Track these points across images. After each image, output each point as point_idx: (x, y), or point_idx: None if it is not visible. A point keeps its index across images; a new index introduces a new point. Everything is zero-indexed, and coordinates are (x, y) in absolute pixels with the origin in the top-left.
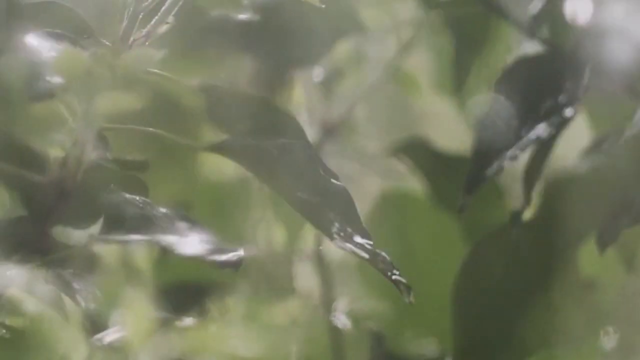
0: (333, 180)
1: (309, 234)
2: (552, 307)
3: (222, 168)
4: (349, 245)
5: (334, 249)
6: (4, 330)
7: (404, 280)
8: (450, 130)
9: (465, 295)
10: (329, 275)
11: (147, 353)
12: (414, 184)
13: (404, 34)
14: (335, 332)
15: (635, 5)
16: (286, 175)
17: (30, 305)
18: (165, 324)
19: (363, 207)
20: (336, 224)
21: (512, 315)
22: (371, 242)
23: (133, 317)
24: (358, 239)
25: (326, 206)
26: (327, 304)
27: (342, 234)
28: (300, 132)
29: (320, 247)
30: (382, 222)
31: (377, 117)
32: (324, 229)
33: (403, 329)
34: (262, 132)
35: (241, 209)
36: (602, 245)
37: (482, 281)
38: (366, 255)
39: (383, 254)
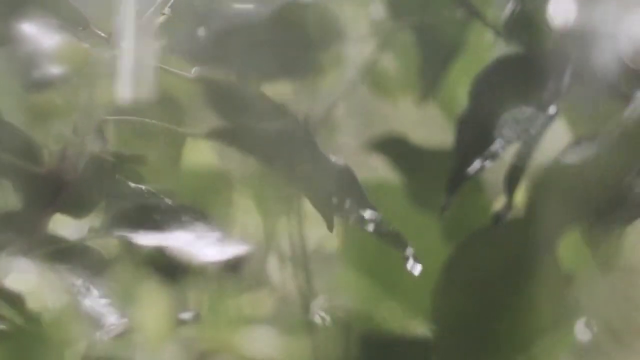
0: (333, 159)
1: (287, 227)
2: (534, 302)
3: (204, 159)
4: (356, 222)
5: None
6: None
7: (412, 255)
8: (427, 129)
9: (448, 291)
10: (308, 269)
11: (162, 350)
12: (392, 179)
13: (381, 36)
14: (312, 327)
15: (617, 7)
16: (286, 156)
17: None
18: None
19: None
20: (342, 202)
21: (494, 310)
22: (380, 217)
23: (147, 313)
24: (367, 214)
25: (330, 184)
26: (305, 298)
27: (348, 211)
28: (293, 118)
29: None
30: None
31: (356, 115)
32: (328, 208)
33: (382, 323)
34: (258, 119)
35: (221, 202)
36: (594, 244)
37: (465, 278)
38: (373, 229)
39: (395, 230)
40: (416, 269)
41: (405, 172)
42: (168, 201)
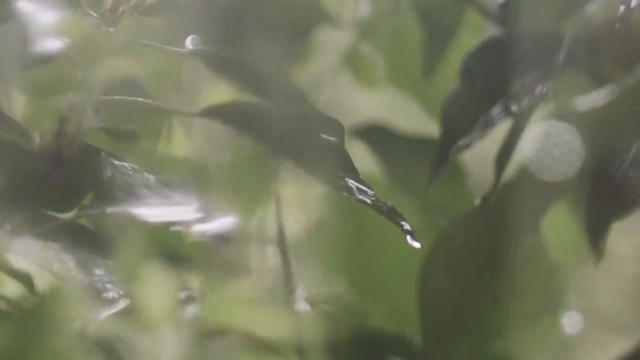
0: (325, 136)
1: (268, 215)
2: (519, 288)
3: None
4: (354, 196)
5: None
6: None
7: (410, 229)
8: (410, 116)
9: (430, 278)
10: (290, 257)
11: (164, 330)
12: (373, 167)
13: (365, 21)
14: (295, 315)
15: None
16: (282, 132)
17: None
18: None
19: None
20: (336, 175)
21: (479, 295)
22: (373, 192)
23: (149, 292)
24: (359, 188)
25: (324, 158)
26: (288, 286)
27: (343, 184)
28: (292, 88)
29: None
30: (341, 205)
31: (337, 102)
32: (327, 180)
33: (364, 311)
34: (257, 91)
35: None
36: (593, 243)
37: (448, 265)
38: (369, 203)
39: (387, 202)
40: (415, 243)
41: (386, 160)
42: (153, 177)
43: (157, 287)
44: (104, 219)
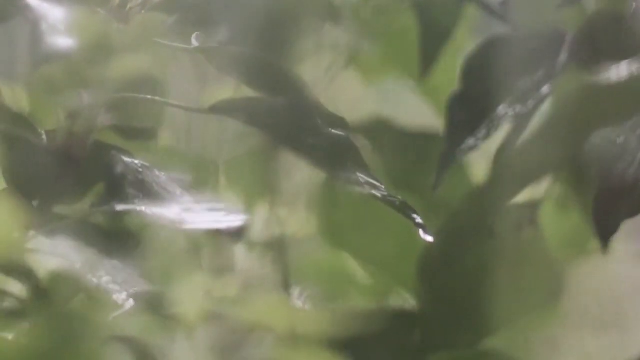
0: (335, 131)
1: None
2: (515, 287)
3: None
4: (365, 190)
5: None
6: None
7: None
8: (413, 112)
9: (431, 273)
10: (287, 258)
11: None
12: (375, 162)
13: (366, 18)
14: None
15: None
16: (292, 128)
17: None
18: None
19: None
20: (347, 170)
21: (478, 292)
22: (383, 186)
23: (184, 292)
24: (370, 182)
25: (335, 153)
26: (285, 286)
27: (354, 178)
28: (300, 86)
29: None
30: (343, 201)
31: (338, 99)
32: (337, 175)
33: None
34: (265, 89)
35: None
36: (604, 239)
37: (449, 260)
38: (380, 197)
39: (399, 197)
40: (427, 237)
41: (387, 155)
42: (164, 175)
43: (189, 287)
44: (117, 218)
